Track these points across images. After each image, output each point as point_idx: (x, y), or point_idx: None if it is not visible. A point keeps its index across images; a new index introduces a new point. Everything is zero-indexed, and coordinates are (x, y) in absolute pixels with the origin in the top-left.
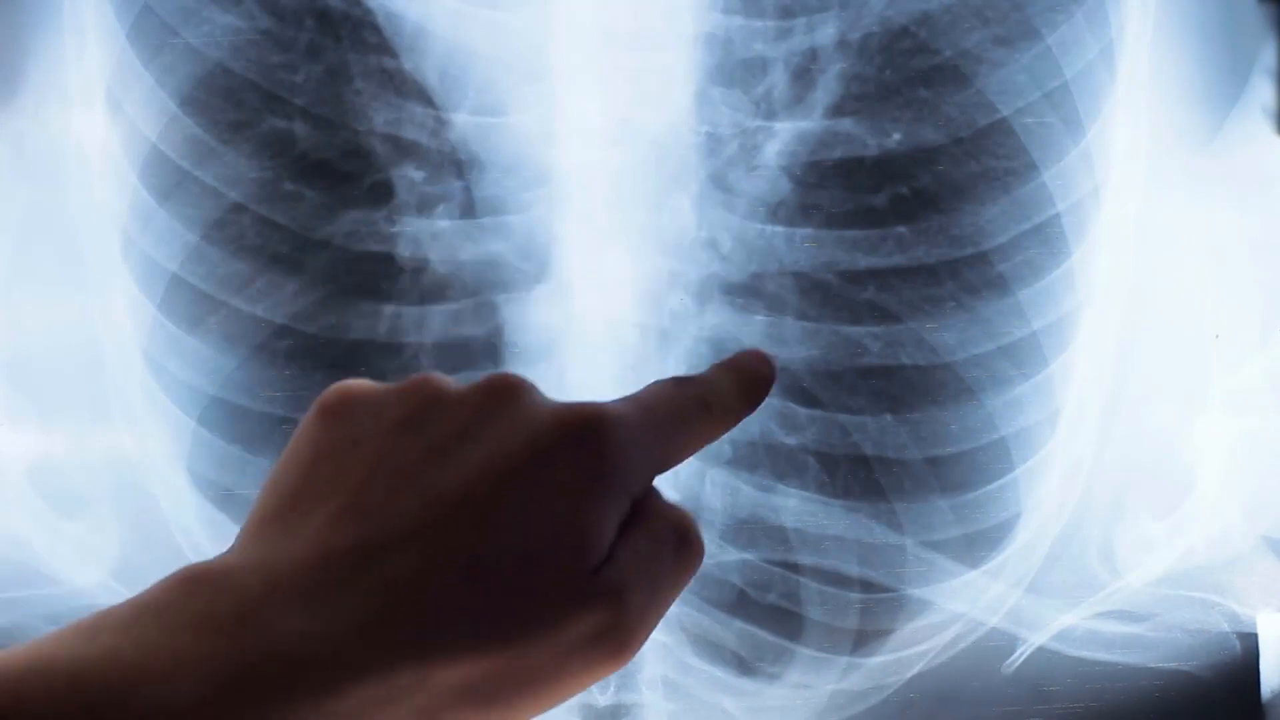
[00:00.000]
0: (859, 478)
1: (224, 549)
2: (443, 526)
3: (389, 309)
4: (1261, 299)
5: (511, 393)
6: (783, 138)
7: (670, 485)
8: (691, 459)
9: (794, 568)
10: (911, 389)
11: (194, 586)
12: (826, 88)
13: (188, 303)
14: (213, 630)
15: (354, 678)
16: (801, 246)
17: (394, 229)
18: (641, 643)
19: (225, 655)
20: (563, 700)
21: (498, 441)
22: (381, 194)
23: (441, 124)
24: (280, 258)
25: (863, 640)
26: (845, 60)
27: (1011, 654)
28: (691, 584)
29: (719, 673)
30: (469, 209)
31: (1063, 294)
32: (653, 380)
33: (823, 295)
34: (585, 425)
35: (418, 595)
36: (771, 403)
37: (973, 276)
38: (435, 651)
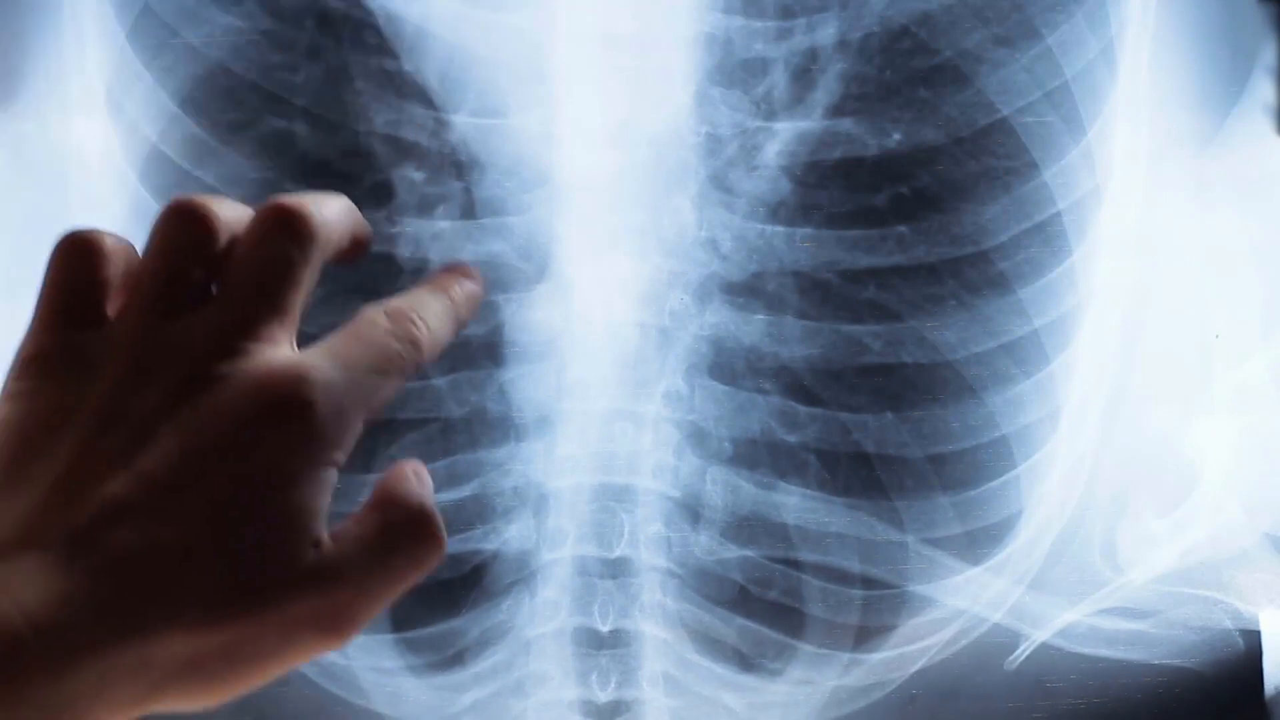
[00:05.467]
0: (860, 475)
1: None
2: (153, 509)
3: None
4: (1263, 297)
5: (217, 356)
6: (783, 138)
7: (671, 484)
8: (692, 456)
9: (795, 565)
10: (912, 387)
11: None
12: (826, 88)
13: None
14: None
15: (81, 656)
16: (801, 246)
17: (394, 229)
18: (359, 628)
19: None
20: (284, 671)
21: (201, 418)
22: (382, 194)
23: (442, 125)
24: None
25: (864, 637)
26: (845, 60)
27: (1014, 650)
28: (693, 580)
29: (720, 669)
30: (469, 210)
31: (1064, 292)
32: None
33: (823, 294)
34: (285, 393)
35: (135, 575)
36: (773, 401)
37: (974, 275)
38: (155, 629)
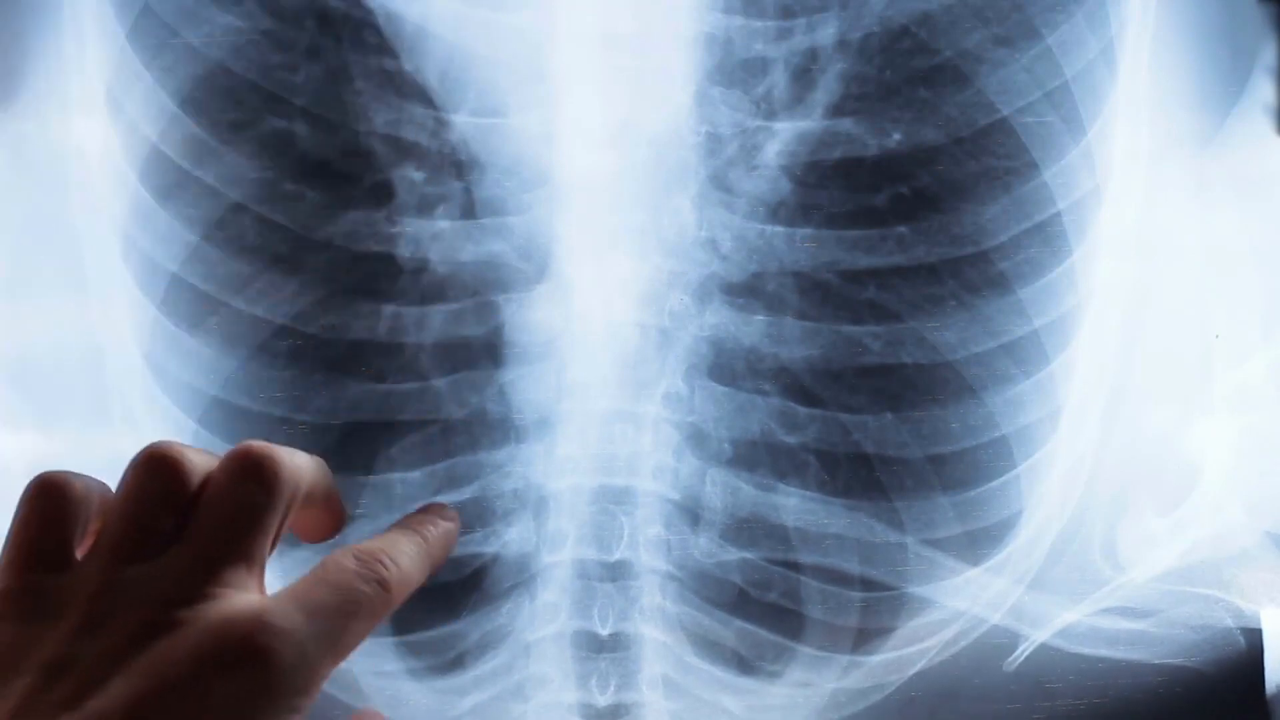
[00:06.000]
0: (860, 476)
1: None
2: None
3: (389, 309)
4: (1263, 298)
5: (177, 603)
6: (783, 138)
7: (670, 486)
8: (692, 458)
9: (795, 566)
10: (912, 387)
11: None
12: (826, 88)
13: (188, 303)
14: None
15: None
16: (802, 246)
17: (394, 229)
18: None
19: None
20: None
21: (156, 664)
22: (382, 194)
23: (442, 125)
24: (280, 258)
25: (864, 638)
26: (845, 60)
27: (1014, 651)
28: (692, 583)
29: (719, 672)
30: (469, 209)
31: (1064, 292)
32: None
33: (823, 295)
34: (244, 639)
35: None
36: (772, 402)
37: (973, 275)
38: None
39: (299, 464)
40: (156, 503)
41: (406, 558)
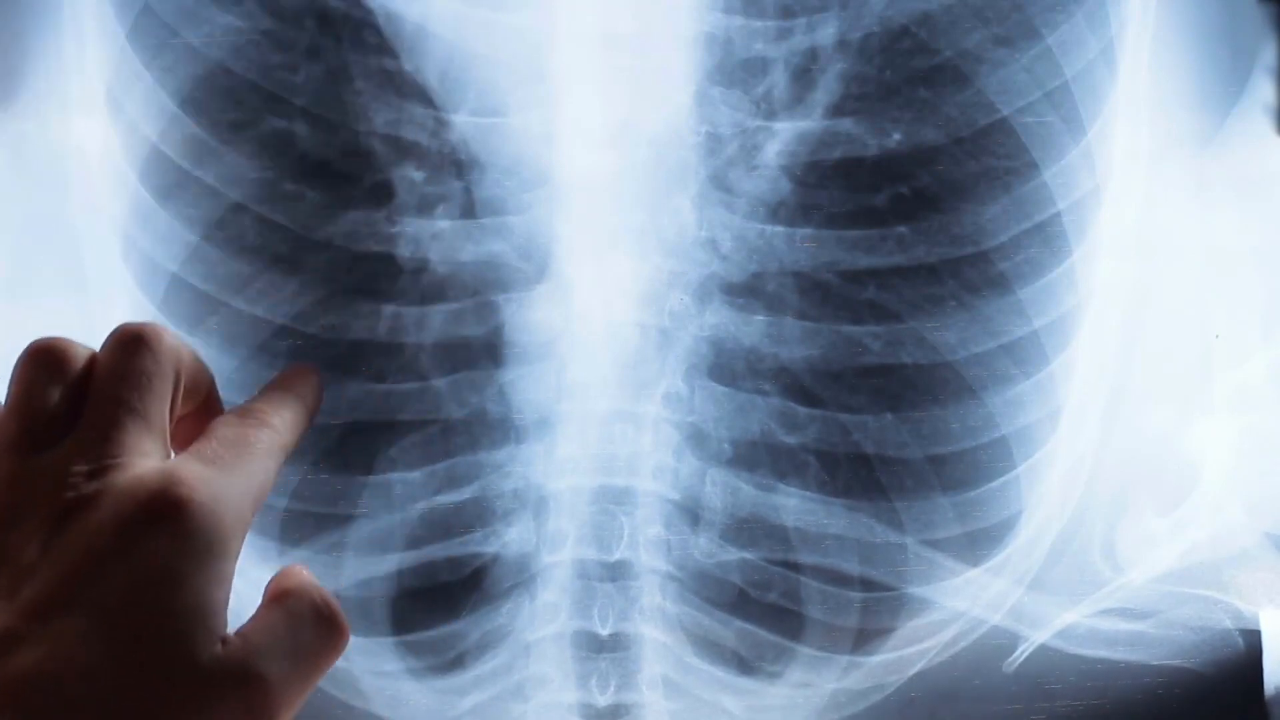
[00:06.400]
0: (860, 476)
1: None
2: (44, 635)
3: (389, 309)
4: (1263, 297)
5: (85, 477)
6: (783, 138)
7: (670, 486)
8: (692, 458)
9: (794, 567)
10: (912, 388)
11: None
12: (826, 88)
13: (188, 303)
14: None
15: None
16: (802, 246)
17: (394, 229)
18: (285, 716)
19: None
20: None
21: (76, 540)
22: (382, 194)
23: (442, 125)
24: (280, 258)
25: (863, 639)
26: (845, 60)
27: (1013, 652)
28: (692, 583)
29: (719, 672)
30: (469, 209)
31: (1064, 292)
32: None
33: (823, 295)
34: (160, 499)
35: (38, 702)
36: (772, 402)
37: (973, 275)
38: None
39: (179, 342)
40: (46, 391)
41: (285, 405)
